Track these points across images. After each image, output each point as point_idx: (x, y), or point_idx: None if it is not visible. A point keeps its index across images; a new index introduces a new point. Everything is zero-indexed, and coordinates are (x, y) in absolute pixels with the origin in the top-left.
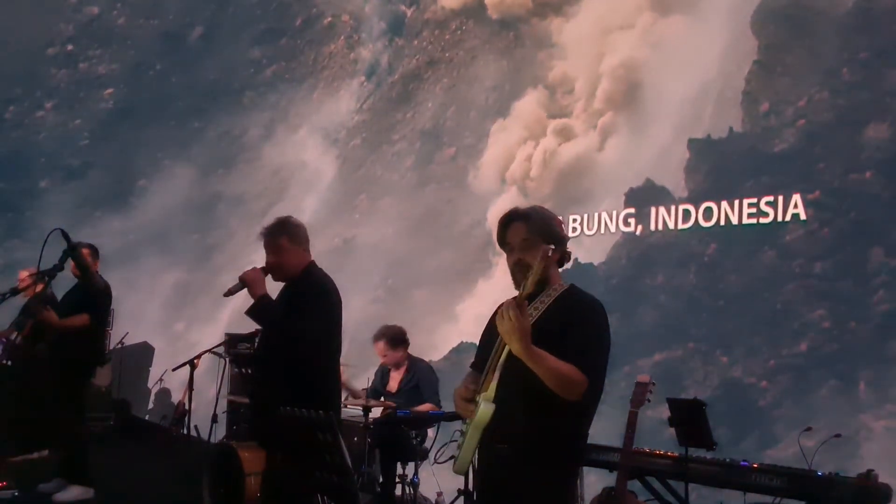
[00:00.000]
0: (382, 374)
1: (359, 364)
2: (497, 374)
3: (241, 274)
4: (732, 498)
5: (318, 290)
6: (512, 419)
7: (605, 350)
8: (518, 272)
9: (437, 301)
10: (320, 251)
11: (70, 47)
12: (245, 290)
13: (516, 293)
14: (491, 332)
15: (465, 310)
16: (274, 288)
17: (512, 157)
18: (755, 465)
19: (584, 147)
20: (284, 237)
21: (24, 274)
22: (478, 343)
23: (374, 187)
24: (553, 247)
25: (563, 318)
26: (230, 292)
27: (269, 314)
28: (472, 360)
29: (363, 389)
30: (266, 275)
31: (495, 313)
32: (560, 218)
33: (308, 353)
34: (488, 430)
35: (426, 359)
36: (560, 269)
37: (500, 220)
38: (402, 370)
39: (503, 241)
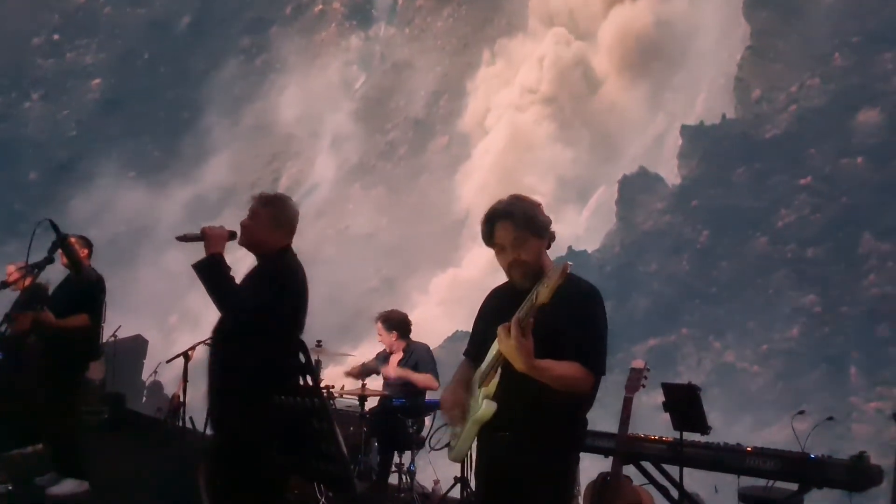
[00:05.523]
0: (384, 360)
1: (356, 355)
2: (498, 372)
3: (204, 226)
4: (726, 481)
5: (282, 273)
6: (514, 410)
7: (606, 339)
8: (515, 271)
9: (431, 290)
10: (314, 241)
11: (56, 37)
12: (202, 243)
13: (504, 281)
14: (485, 321)
15: (460, 299)
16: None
17: (506, 145)
18: (749, 449)
19: (578, 136)
20: (270, 210)
21: (11, 268)
22: (471, 331)
23: (367, 177)
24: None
25: (565, 313)
26: (185, 238)
27: (214, 273)
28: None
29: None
30: (233, 238)
31: (486, 301)
32: (539, 202)
33: (249, 327)
34: (489, 421)
35: None
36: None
37: (483, 220)
38: (399, 356)
39: (490, 241)
